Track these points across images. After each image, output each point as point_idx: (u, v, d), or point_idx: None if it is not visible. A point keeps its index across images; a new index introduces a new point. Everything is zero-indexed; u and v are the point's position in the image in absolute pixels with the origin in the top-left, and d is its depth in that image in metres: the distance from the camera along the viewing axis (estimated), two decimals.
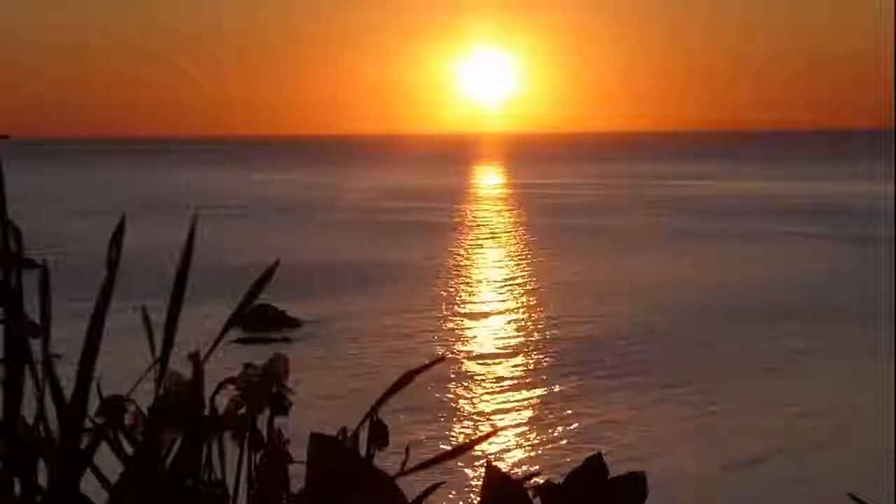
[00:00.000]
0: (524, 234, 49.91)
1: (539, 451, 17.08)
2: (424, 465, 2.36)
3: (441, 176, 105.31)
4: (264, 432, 2.55)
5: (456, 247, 44.27)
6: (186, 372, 2.37)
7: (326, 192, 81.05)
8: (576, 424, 18.37)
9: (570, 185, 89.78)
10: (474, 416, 18.93)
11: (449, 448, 2.38)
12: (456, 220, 57.49)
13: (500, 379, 21.42)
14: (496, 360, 22.92)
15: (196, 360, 2.27)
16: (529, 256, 41.38)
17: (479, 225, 55.15)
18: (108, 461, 2.39)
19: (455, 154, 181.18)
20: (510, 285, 33.71)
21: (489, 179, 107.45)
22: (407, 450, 2.48)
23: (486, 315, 28.32)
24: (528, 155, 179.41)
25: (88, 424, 2.34)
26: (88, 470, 2.32)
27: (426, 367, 2.29)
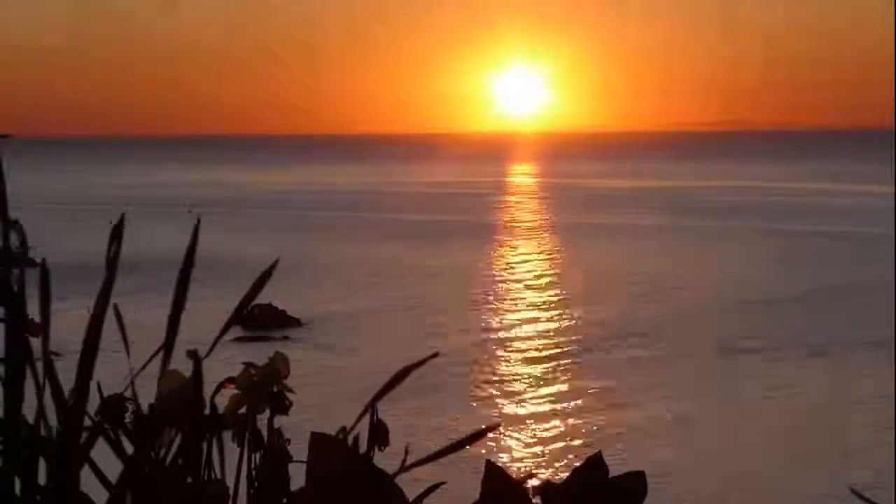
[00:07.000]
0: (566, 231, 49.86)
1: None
2: (423, 462, 2.36)
3: (476, 174, 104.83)
4: (264, 432, 2.55)
5: (481, 248, 43.87)
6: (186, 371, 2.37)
7: (356, 189, 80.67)
8: None
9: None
10: None
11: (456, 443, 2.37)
12: (487, 218, 56.89)
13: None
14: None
15: (195, 358, 2.27)
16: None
17: (502, 223, 54.87)
18: (108, 461, 2.39)
19: (496, 152, 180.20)
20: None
21: (523, 176, 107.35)
22: (407, 448, 2.48)
23: (516, 301, 28.33)
24: (564, 154, 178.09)
25: (89, 423, 2.34)
26: (89, 470, 2.32)
27: (420, 363, 2.29)
